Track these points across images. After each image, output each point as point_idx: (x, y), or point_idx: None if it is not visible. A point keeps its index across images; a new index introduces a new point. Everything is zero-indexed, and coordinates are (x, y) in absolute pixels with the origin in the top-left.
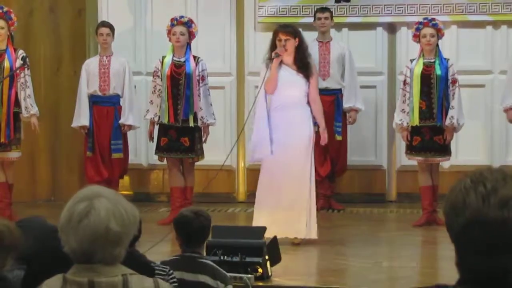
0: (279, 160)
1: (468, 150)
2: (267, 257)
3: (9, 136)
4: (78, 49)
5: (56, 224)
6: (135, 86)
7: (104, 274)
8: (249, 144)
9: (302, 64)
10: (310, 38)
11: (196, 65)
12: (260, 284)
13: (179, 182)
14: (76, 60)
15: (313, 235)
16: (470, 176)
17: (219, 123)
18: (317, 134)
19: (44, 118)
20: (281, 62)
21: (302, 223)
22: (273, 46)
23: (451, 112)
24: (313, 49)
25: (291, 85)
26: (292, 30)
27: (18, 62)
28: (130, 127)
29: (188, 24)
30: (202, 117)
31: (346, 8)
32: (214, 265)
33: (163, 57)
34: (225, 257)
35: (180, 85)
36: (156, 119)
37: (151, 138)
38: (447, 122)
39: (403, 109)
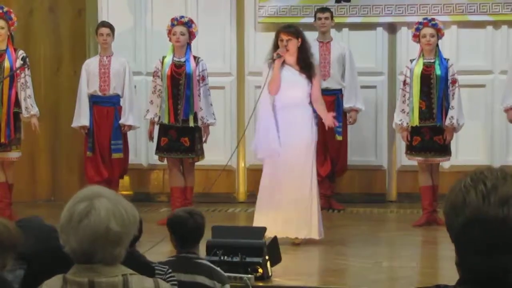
0: (281, 160)
1: (468, 150)
2: (267, 257)
3: (9, 136)
4: (78, 49)
5: (56, 224)
6: (135, 86)
7: (104, 274)
8: (251, 143)
9: (305, 64)
10: (311, 38)
11: (196, 65)
12: (260, 284)
13: (179, 182)
14: (76, 60)
15: (315, 235)
16: (470, 175)
17: (219, 123)
18: (319, 135)
19: (44, 118)
20: (283, 63)
21: (302, 223)
22: (275, 47)
23: (451, 112)
24: (314, 49)
25: (293, 85)
26: (294, 30)
27: (18, 62)
28: (130, 127)
29: (188, 24)
30: (202, 117)
31: (347, 8)
32: (211, 265)
33: (163, 57)
34: (225, 257)
35: (180, 85)
36: (156, 119)
37: (151, 138)
38: (447, 122)
39: (403, 109)
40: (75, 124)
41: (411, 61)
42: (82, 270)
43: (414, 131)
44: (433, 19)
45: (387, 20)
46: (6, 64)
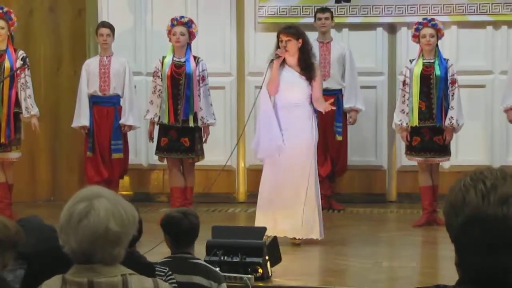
0: (281, 160)
1: (468, 150)
2: (267, 257)
3: (9, 136)
4: (78, 49)
5: (56, 224)
6: (135, 86)
7: (103, 274)
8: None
9: (306, 65)
10: (311, 38)
11: (196, 65)
12: (260, 284)
13: (179, 182)
14: (76, 60)
15: (316, 235)
16: (470, 175)
17: (219, 123)
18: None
19: (44, 118)
20: (285, 63)
21: (302, 223)
22: (277, 48)
23: (450, 113)
24: (314, 50)
25: (293, 86)
26: (294, 31)
27: (18, 63)
28: (131, 127)
29: (188, 24)
30: (202, 117)
31: (347, 9)
32: (207, 264)
33: (163, 57)
34: (225, 257)
35: (180, 85)
36: (156, 119)
37: (151, 138)
38: (447, 122)
39: (402, 110)
40: (75, 124)
41: (411, 61)
42: (81, 270)
43: (413, 131)
44: (432, 19)
45: (387, 20)
46: (6, 64)
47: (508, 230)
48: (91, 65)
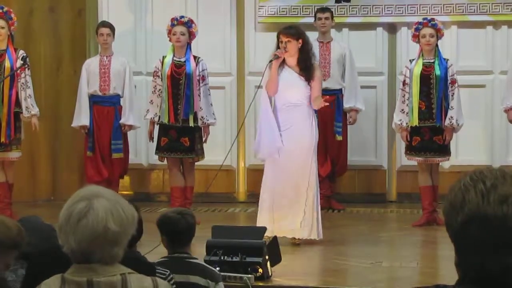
0: (282, 160)
1: (468, 150)
2: (267, 257)
3: (10, 136)
4: (78, 49)
5: (56, 224)
6: (135, 86)
7: (102, 274)
8: (252, 143)
9: (305, 65)
10: (311, 38)
11: (197, 65)
12: (260, 284)
13: (179, 182)
14: (76, 60)
15: (314, 235)
16: (470, 174)
17: (219, 123)
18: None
19: (44, 118)
20: (285, 64)
21: (302, 223)
22: (277, 48)
23: (450, 113)
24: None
25: (292, 87)
26: (294, 32)
27: (19, 62)
28: (131, 127)
29: (189, 24)
30: (202, 117)
31: (347, 8)
32: (203, 263)
33: (163, 57)
34: (225, 257)
35: (180, 85)
36: (156, 119)
37: (151, 138)
38: (447, 122)
39: (402, 110)
40: (75, 123)
41: (411, 61)
42: (80, 270)
43: (413, 131)
44: (432, 19)
45: (387, 20)
46: (7, 64)
47: (508, 230)
48: (91, 64)
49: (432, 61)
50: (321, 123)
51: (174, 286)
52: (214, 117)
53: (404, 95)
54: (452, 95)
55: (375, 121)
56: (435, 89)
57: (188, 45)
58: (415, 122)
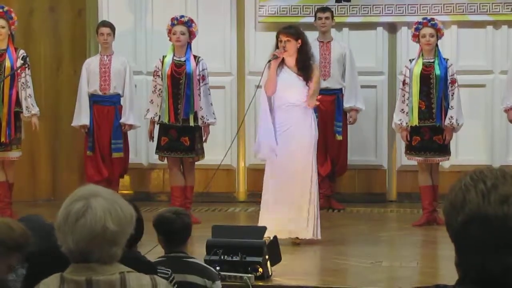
0: (281, 161)
1: (468, 150)
2: (267, 256)
3: (10, 135)
4: (78, 49)
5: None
6: (135, 86)
7: (101, 273)
8: (252, 143)
9: (303, 66)
10: (311, 38)
11: (197, 64)
12: (260, 283)
13: (180, 182)
14: (76, 59)
15: (315, 235)
16: (470, 174)
17: (219, 123)
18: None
19: (44, 118)
20: (283, 64)
21: (302, 223)
22: (276, 48)
23: (450, 112)
24: (314, 49)
25: (290, 87)
26: (293, 32)
27: (19, 62)
28: (131, 126)
29: (189, 23)
30: (202, 116)
31: (347, 8)
32: (200, 262)
33: (164, 57)
34: (225, 256)
35: (180, 84)
36: (156, 118)
37: (151, 138)
38: (447, 122)
39: (402, 109)
40: (75, 123)
41: (410, 61)
42: (79, 269)
43: (413, 131)
44: (432, 19)
45: (388, 20)
46: (7, 63)
47: (508, 230)
48: (91, 64)
49: (432, 61)
50: (321, 123)
51: (176, 286)
52: (214, 117)
53: (404, 94)
54: (452, 95)
55: (375, 120)
56: (435, 88)
57: (188, 44)
58: (415, 121)
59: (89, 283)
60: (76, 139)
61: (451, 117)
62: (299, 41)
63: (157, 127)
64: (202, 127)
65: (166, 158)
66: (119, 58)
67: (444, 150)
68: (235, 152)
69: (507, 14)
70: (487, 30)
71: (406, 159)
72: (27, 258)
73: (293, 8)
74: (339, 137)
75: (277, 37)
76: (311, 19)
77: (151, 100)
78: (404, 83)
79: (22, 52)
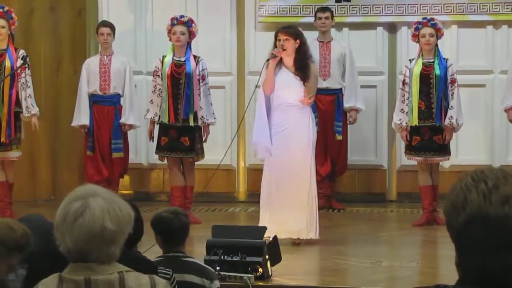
0: (280, 160)
1: (468, 150)
2: (267, 256)
3: (10, 135)
4: (78, 49)
5: None
6: (135, 86)
7: (100, 272)
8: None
9: (300, 66)
10: (311, 38)
11: (197, 64)
12: (260, 283)
13: (180, 182)
14: (76, 59)
15: (314, 235)
16: (471, 174)
17: (219, 123)
18: (319, 135)
19: (44, 118)
20: (282, 64)
21: (302, 223)
22: (275, 47)
23: (450, 112)
24: (314, 49)
25: (288, 87)
26: (292, 31)
27: (19, 62)
28: (131, 126)
29: (189, 23)
30: (202, 116)
31: (347, 8)
32: (199, 262)
33: (163, 57)
34: (225, 256)
35: (180, 84)
36: (156, 118)
37: (151, 138)
38: (446, 122)
39: (402, 109)
40: (75, 123)
41: (410, 60)
42: (77, 269)
43: (413, 131)
44: (432, 19)
45: (387, 19)
46: (7, 63)
47: (509, 230)
48: (91, 64)
49: (432, 60)
50: (321, 123)
51: (176, 286)
52: (214, 117)
53: (404, 94)
54: (452, 95)
55: (375, 120)
56: (435, 88)
57: (188, 44)
58: (415, 121)
59: (88, 282)
60: (76, 139)
61: (451, 117)
62: (298, 41)
63: (157, 127)
64: (202, 127)
65: (166, 158)
66: (119, 58)
67: (444, 150)
68: (235, 152)
69: (507, 14)
70: (487, 30)
71: (406, 159)
72: (27, 258)
73: (293, 8)
74: (339, 137)
75: (276, 36)
76: (311, 19)
77: (151, 100)
78: (404, 83)
79: (22, 52)
